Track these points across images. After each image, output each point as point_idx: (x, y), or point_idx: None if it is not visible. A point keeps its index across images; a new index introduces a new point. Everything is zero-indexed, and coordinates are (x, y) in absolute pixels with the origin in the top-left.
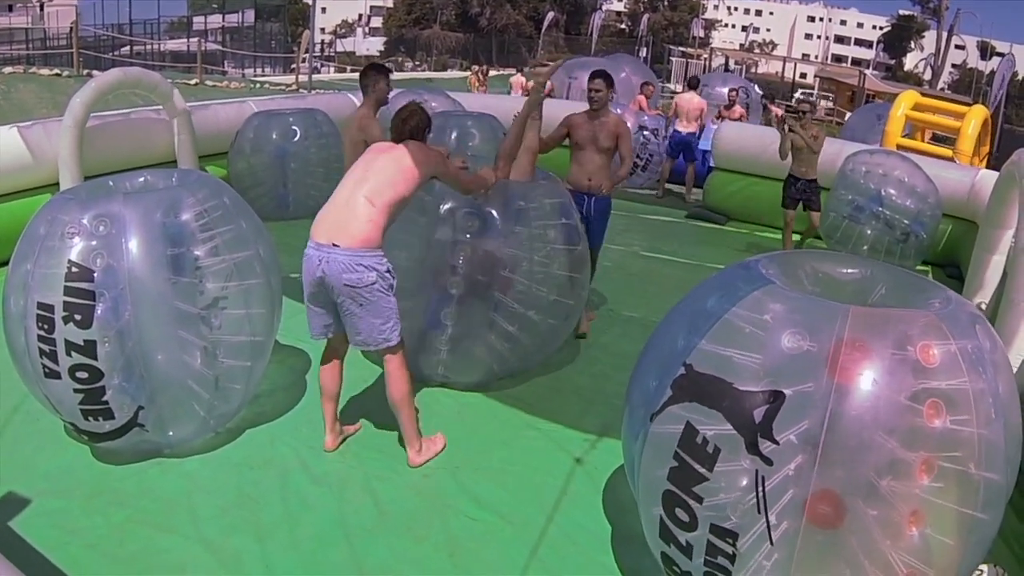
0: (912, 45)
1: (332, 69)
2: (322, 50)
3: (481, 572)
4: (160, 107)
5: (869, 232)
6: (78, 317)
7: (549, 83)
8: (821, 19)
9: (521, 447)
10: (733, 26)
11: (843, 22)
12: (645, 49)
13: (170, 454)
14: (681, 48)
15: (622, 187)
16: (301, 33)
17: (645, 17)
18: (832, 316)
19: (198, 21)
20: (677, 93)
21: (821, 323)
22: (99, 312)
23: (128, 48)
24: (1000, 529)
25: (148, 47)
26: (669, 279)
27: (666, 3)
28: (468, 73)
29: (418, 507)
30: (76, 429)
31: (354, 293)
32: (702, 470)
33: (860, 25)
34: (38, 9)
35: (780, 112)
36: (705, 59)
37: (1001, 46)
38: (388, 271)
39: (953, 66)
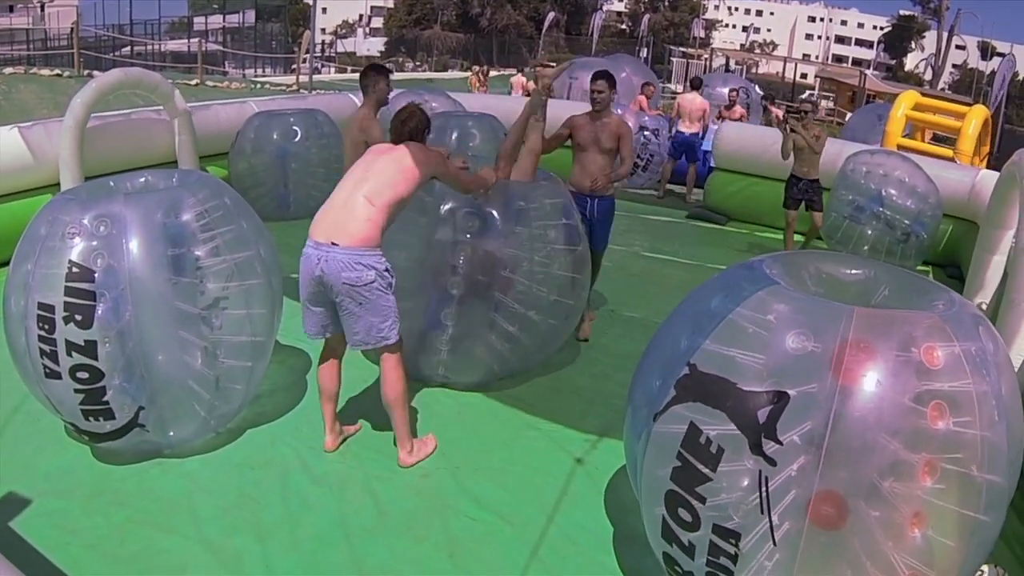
0: (913, 45)
1: (333, 69)
2: (323, 50)
3: (481, 572)
4: (161, 107)
5: (870, 232)
6: (79, 317)
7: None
8: (821, 19)
9: (521, 447)
10: (734, 26)
11: (844, 22)
12: (646, 49)
13: (171, 454)
14: (682, 48)
15: (623, 187)
16: (302, 33)
17: (646, 17)
18: (837, 317)
19: (199, 21)
20: (678, 94)
21: (826, 324)
22: (100, 312)
23: (129, 48)
24: (1001, 530)
25: (149, 47)
26: (670, 279)
27: (667, 3)
28: (469, 73)
29: (418, 507)
30: (77, 429)
31: (353, 292)
32: (705, 470)
33: (861, 25)
34: (39, 10)
35: (780, 113)
36: (706, 59)
37: (1002, 46)
38: (387, 270)
39: (954, 66)
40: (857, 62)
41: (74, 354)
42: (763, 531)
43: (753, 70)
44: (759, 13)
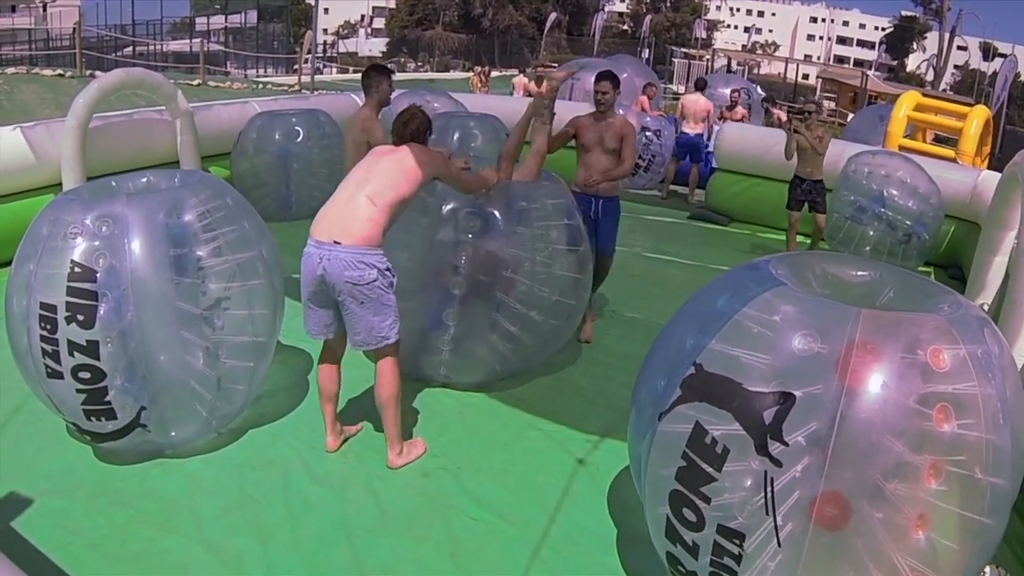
0: (914, 46)
1: (334, 70)
2: (324, 51)
3: (482, 573)
4: (163, 108)
5: (871, 233)
6: (81, 317)
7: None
8: (823, 20)
9: (523, 447)
10: (735, 27)
11: (845, 23)
12: (647, 50)
13: (172, 454)
14: (683, 49)
15: (624, 187)
16: (303, 34)
17: (647, 18)
18: (843, 318)
19: (201, 22)
20: (679, 94)
21: (832, 325)
22: (102, 312)
23: (131, 49)
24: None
25: (151, 48)
26: (672, 280)
27: (668, 4)
28: (470, 74)
29: (419, 507)
30: (78, 429)
31: (355, 291)
32: (710, 470)
33: (862, 26)
34: (41, 10)
35: (782, 115)
36: (707, 60)
37: (1003, 47)
38: (388, 269)
39: (955, 67)
40: (859, 63)
41: (76, 354)
42: (767, 531)
43: (755, 71)
44: (760, 14)
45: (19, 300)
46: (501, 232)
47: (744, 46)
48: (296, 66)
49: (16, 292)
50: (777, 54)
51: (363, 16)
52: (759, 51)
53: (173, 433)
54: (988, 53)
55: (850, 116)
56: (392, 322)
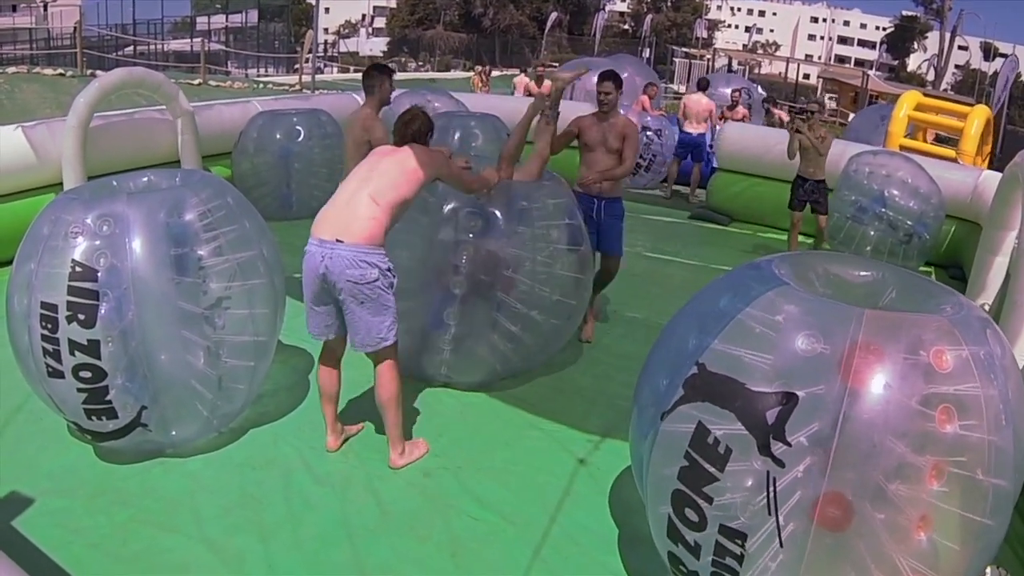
0: (915, 46)
1: (335, 69)
2: (325, 50)
3: (483, 572)
4: (164, 107)
5: (872, 233)
6: (82, 317)
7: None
8: (824, 20)
9: (524, 447)
10: (736, 27)
11: (846, 23)
12: (648, 50)
13: (173, 454)
14: (684, 49)
15: (625, 187)
16: (304, 33)
17: (648, 18)
18: (847, 319)
19: (202, 21)
20: (681, 94)
21: (835, 326)
22: (103, 312)
23: (132, 48)
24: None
25: (152, 47)
26: (672, 280)
27: (669, 4)
28: (471, 73)
29: (420, 507)
30: (79, 428)
31: (356, 290)
32: (713, 470)
33: (863, 26)
34: (42, 9)
35: (783, 115)
36: (708, 60)
37: (1004, 47)
38: (389, 269)
39: (956, 67)
40: (860, 63)
41: (77, 353)
42: (769, 532)
43: (756, 70)
44: (761, 13)
45: (20, 299)
46: (502, 232)
47: (745, 46)
48: (297, 65)
49: (17, 291)
50: (778, 54)
51: (364, 15)
52: (760, 51)
53: (174, 432)
54: (989, 53)
55: (851, 116)
56: (391, 323)
